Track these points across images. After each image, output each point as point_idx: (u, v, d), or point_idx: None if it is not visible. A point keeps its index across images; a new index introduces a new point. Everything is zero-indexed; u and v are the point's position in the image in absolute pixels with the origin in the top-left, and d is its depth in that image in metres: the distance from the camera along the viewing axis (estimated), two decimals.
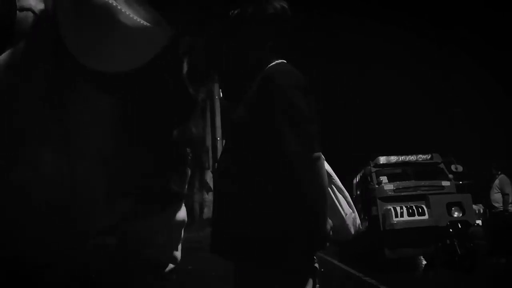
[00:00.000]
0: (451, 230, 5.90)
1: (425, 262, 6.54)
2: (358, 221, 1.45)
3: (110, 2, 0.51)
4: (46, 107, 0.55)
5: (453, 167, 7.37)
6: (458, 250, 5.61)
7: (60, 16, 0.53)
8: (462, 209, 6.14)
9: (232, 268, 1.31)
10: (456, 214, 6.08)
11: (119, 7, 0.51)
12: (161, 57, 0.58)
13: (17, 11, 0.56)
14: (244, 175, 1.25)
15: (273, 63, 1.32)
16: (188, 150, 0.65)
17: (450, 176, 7.10)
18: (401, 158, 7.29)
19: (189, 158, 0.65)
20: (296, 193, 1.17)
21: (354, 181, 8.18)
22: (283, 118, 1.20)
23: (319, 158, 1.19)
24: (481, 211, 9.87)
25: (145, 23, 0.53)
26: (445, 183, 6.68)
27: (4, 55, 0.54)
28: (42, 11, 0.58)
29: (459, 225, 5.95)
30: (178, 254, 0.70)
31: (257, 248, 1.18)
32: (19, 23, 0.56)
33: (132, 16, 0.52)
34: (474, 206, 6.86)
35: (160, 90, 0.61)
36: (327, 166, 1.42)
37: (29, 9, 0.57)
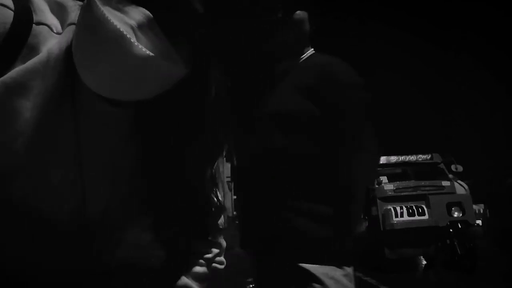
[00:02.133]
0: (451, 230, 5.90)
1: (425, 262, 6.55)
2: None
3: (124, 33, 0.49)
4: (56, 118, 0.55)
5: (453, 167, 7.37)
6: (458, 250, 5.62)
7: (74, 43, 0.52)
8: (462, 209, 6.15)
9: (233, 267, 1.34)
10: (456, 214, 6.08)
11: (132, 40, 0.49)
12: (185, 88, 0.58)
13: (34, 25, 0.55)
14: (293, 172, 1.24)
15: (312, 51, 1.35)
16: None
17: (450, 176, 7.11)
18: (401, 158, 7.29)
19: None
20: (349, 192, 1.22)
21: None
22: (361, 120, 1.25)
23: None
24: (481, 211, 9.86)
25: (151, 54, 0.51)
26: (445, 183, 6.68)
27: (17, 69, 0.53)
28: (59, 31, 0.58)
29: (459, 225, 5.96)
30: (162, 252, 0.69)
31: (308, 247, 1.20)
32: (34, 36, 0.55)
33: (145, 50, 0.50)
34: (474, 206, 6.85)
35: (181, 111, 0.60)
36: None
37: (45, 24, 0.56)
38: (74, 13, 0.59)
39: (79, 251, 0.59)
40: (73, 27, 0.57)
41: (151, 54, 0.50)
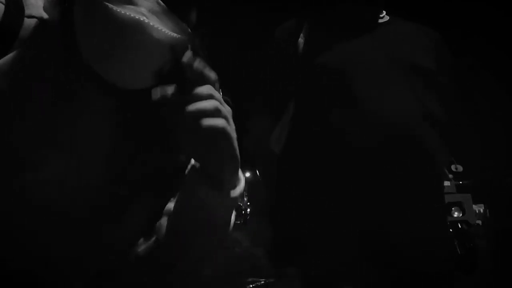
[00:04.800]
0: (451, 230, 5.90)
1: None
2: None
3: (140, 18, 0.51)
4: (53, 112, 0.56)
5: (453, 167, 7.37)
6: (458, 250, 5.61)
7: (81, 32, 0.54)
8: (462, 209, 6.15)
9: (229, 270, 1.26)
10: (456, 214, 6.08)
11: (151, 23, 0.51)
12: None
13: (25, 18, 0.58)
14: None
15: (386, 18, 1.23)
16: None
17: (450, 176, 7.10)
18: None
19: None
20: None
21: None
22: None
23: None
24: (481, 211, 9.85)
25: (174, 34, 0.54)
26: (445, 183, 6.68)
27: (6, 59, 0.55)
28: (50, 20, 0.59)
29: (459, 225, 5.95)
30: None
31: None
32: (25, 29, 0.57)
33: (163, 29, 0.53)
34: (474, 206, 6.86)
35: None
36: None
37: (37, 18, 0.59)
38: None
39: (89, 239, 0.60)
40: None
41: (173, 34, 0.53)
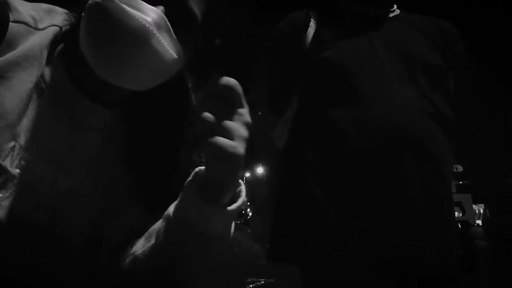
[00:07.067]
0: (453, 232, 5.91)
1: None
2: None
3: (147, 26, 0.51)
4: (36, 108, 0.57)
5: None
6: (458, 250, 5.62)
7: (87, 34, 0.53)
8: (462, 209, 6.15)
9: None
10: (456, 214, 6.09)
11: (154, 31, 0.52)
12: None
13: (11, 23, 0.57)
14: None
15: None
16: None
17: None
18: None
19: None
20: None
21: None
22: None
23: None
24: (481, 211, 9.88)
25: (171, 51, 0.54)
26: None
27: None
28: (38, 27, 0.59)
29: (459, 225, 5.96)
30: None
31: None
32: (11, 34, 0.57)
33: (163, 42, 0.53)
34: (474, 206, 6.87)
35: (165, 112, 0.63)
36: None
37: (22, 22, 0.59)
38: (61, 17, 0.62)
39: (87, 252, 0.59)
40: (56, 28, 0.60)
41: (167, 47, 0.53)
